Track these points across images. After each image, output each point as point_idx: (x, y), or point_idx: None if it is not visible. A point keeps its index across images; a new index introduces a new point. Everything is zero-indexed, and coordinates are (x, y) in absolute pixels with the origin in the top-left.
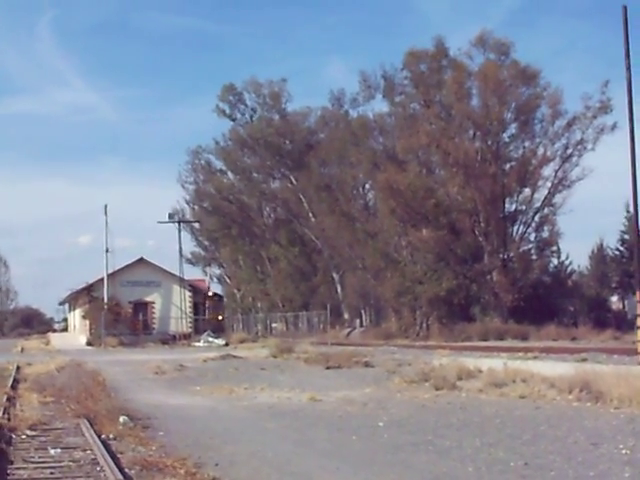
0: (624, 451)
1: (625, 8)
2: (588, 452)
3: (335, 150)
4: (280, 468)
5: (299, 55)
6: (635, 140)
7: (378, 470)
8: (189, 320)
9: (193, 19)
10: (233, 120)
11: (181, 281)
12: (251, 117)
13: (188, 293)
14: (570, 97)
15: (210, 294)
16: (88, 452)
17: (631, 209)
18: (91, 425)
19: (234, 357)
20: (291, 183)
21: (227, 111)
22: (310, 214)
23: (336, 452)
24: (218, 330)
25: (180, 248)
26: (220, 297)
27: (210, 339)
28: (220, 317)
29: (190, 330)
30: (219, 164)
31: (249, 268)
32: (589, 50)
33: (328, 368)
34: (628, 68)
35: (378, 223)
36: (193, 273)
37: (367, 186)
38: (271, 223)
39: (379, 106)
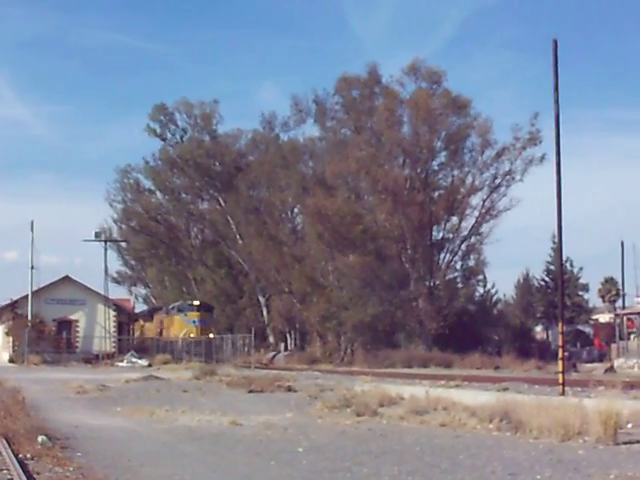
0: None
1: (555, 42)
2: None
3: (265, 173)
4: None
5: (233, 77)
6: (561, 172)
7: None
8: (113, 340)
9: (129, 37)
10: (163, 140)
11: (106, 300)
12: (181, 137)
13: (113, 312)
14: (501, 128)
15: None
16: (4, 472)
17: (557, 240)
18: (9, 444)
19: (157, 378)
20: (219, 205)
21: (158, 131)
22: (238, 236)
23: (254, 477)
24: (141, 351)
25: (106, 267)
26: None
27: (133, 359)
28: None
29: (114, 350)
30: (148, 183)
31: (175, 289)
32: (521, 82)
33: (250, 392)
34: (556, 101)
35: (305, 247)
36: (119, 292)
37: (296, 210)
38: (198, 244)
39: (310, 130)
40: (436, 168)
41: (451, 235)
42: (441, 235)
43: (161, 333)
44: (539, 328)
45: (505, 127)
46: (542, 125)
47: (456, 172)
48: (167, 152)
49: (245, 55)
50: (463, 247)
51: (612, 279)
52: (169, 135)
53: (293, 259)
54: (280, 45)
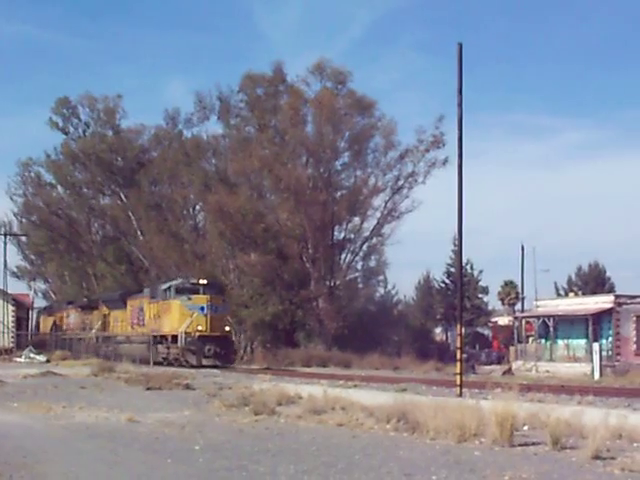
0: None
1: (460, 45)
2: None
3: (167, 169)
4: None
5: (140, 73)
6: (463, 175)
7: None
8: (11, 335)
9: (35, 29)
10: (66, 134)
11: (4, 295)
12: (84, 132)
13: (11, 307)
14: (407, 130)
15: None
16: None
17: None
18: None
19: (55, 374)
20: (121, 200)
21: (60, 124)
22: (139, 232)
23: (150, 475)
24: (40, 346)
25: (5, 261)
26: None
27: (32, 355)
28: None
29: (12, 345)
30: (49, 177)
31: (75, 284)
32: (428, 85)
33: (148, 389)
34: (460, 104)
35: (206, 245)
36: (18, 287)
37: (197, 207)
38: (99, 239)
39: (214, 128)
40: (339, 168)
41: (352, 235)
42: (343, 235)
43: (104, 327)
44: (439, 330)
45: (411, 129)
46: (447, 128)
47: (359, 172)
48: (69, 146)
49: (152, 51)
50: (364, 248)
51: (512, 282)
52: (72, 129)
53: (194, 256)
54: (188, 42)
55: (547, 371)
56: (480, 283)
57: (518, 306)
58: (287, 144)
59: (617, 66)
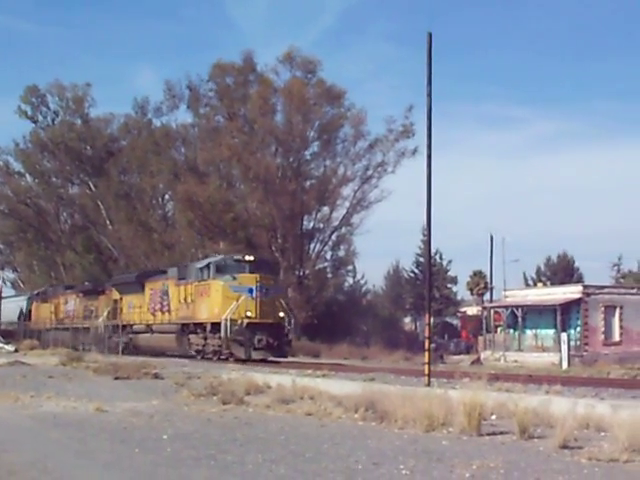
0: (404, 471)
1: (430, 35)
2: (369, 472)
3: (136, 158)
4: (59, 479)
5: (109, 61)
6: (432, 165)
7: None
8: None
9: (2, 16)
10: (35, 122)
11: None
12: (53, 120)
13: None
14: (376, 120)
15: None
16: None
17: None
18: None
19: (23, 364)
20: (90, 189)
21: (29, 113)
22: (107, 222)
23: (117, 464)
24: (7, 336)
25: None
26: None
27: (0, 344)
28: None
29: None
30: (18, 166)
31: (43, 274)
32: (399, 75)
33: (117, 378)
34: (429, 94)
35: (175, 234)
36: None
37: (167, 196)
38: (68, 229)
39: (183, 116)
40: (308, 157)
41: (322, 225)
42: (312, 225)
43: (114, 315)
44: (408, 319)
45: (380, 119)
46: (416, 118)
47: (328, 162)
48: (38, 135)
49: (122, 40)
50: (333, 237)
51: (481, 272)
52: (40, 117)
53: (163, 246)
54: (158, 31)
55: (515, 361)
56: (449, 273)
57: (487, 296)
58: (256, 133)
59: (587, 57)
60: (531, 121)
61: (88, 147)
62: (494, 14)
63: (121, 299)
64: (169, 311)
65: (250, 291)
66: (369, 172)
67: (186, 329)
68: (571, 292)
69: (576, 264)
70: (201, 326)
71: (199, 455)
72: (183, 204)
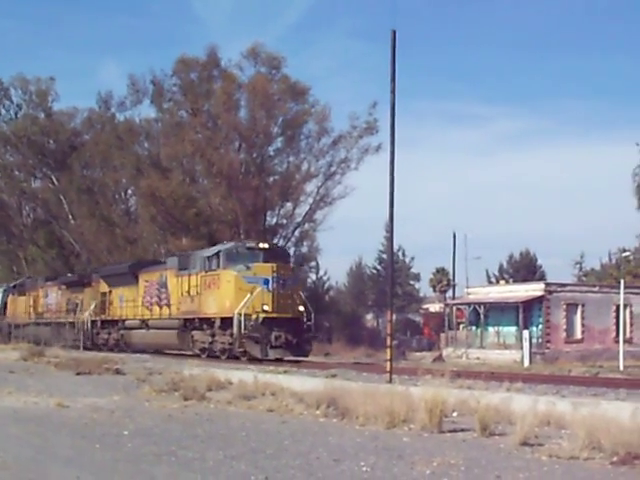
0: (364, 468)
1: (394, 32)
2: (329, 468)
3: (99, 153)
4: (19, 475)
5: (74, 55)
6: (395, 162)
7: None
8: None
9: None
10: None
11: None
12: (16, 114)
13: None
14: (341, 116)
15: None
16: None
17: (389, 229)
18: None
19: None
20: (52, 183)
21: None
22: (70, 216)
23: (78, 460)
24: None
25: None
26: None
27: None
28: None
29: None
30: None
31: (5, 268)
32: (363, 71)
33: (78, 374)
34: (393, 91)
35: (138, 229)
36: None
37: (129, 191)
38: (30, 223)
39: (147, 111)
40: (272, 153)
41: (285, 221)
42: (275, 221)
43: (103, 309)
44: (370, 316)
45: (345, 116)
46: (381, 115)
47: (292, 158)
48: (0, 128)
49: (86, 34)
50: (296, 233)
51: (443, 269)
52: (3, 111)
53: (125, 241)
54: (123, 25)
55: (477, 358)
56: (412, 270)
57: (449, 293)
58: (220, 129)
59: (551, 55)
60: (495, 119)
61: (51, 141)
62: (458, 10)
63: (110, 292)
64: (168, 305)
65: (266, 282)
66: (333, 168)
67: (189, 325)
68: (533, 290)
69: (538, 262)
70: (208, 321)
71: (160, 451)
72: (146, 199)
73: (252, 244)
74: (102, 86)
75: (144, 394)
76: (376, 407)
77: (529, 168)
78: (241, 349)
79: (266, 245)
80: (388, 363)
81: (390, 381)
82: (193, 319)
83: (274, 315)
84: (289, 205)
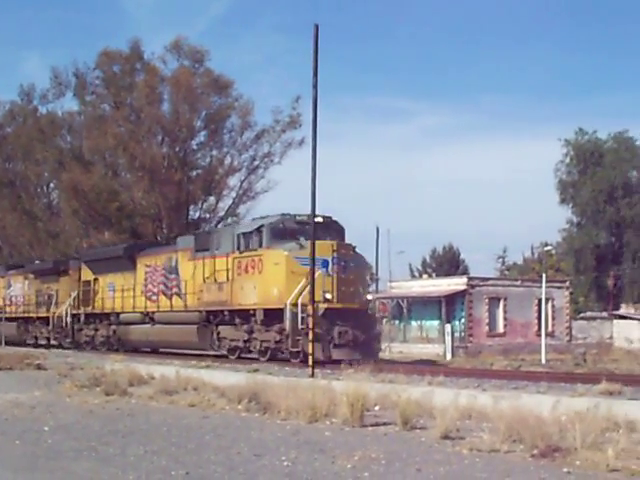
0: (286, 463)
1: (317, 27)
2: (250, 463)
3: (21, 146)
4: None
5: None
6: (317, 157)
7: (38, 476)
8: None
9: None
10: None
11: None
12: None
13: None
14: (265, 111)
15: None
16: None
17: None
18: None
19: None
20: None
21: None
22: None
23: None
24: None
25: None
26: None
27: None
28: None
29: None
30: None
31: None
32: (288, 66)
33: None
34: (315, 86)
35: (60, 223)
36: None
37: (52, 185)
38: None
39: (69, 104)
40: (195, 147)
41: (208, 215)
42: (198, 215)
43: (86, 301)
44: None
45: (269, 110)
46: (304, 110)
47: (215, 152)
48: None
49: (8, 25)
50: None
51: None
52: None
53: (47, 235)
54: (46, 17)
55: (400, 352)
56: None
57: (372, 287)
58: (143, 122)
59: (477, 51)
60: (419, 114)
61: None
62: (382, 5)
63: (96, 280)
64: (180, 294)
65: (324, 264)
66: (256, 162)
67: (213, 319)
68: (456, 284)
69: (461, 256)
70: (243, 314)
71: (80, 447)
72: (68, 193)
73: (302, 217)
74: (24, 79)
75: (65, 389)
76: (298, 401)
77: (453, 163)
78: (295, 349)
79: (320, 219)
80: (310, 357)
81: (312, 375)
82: (220, 311)
83: (338, 306)
84: (212, 199)
